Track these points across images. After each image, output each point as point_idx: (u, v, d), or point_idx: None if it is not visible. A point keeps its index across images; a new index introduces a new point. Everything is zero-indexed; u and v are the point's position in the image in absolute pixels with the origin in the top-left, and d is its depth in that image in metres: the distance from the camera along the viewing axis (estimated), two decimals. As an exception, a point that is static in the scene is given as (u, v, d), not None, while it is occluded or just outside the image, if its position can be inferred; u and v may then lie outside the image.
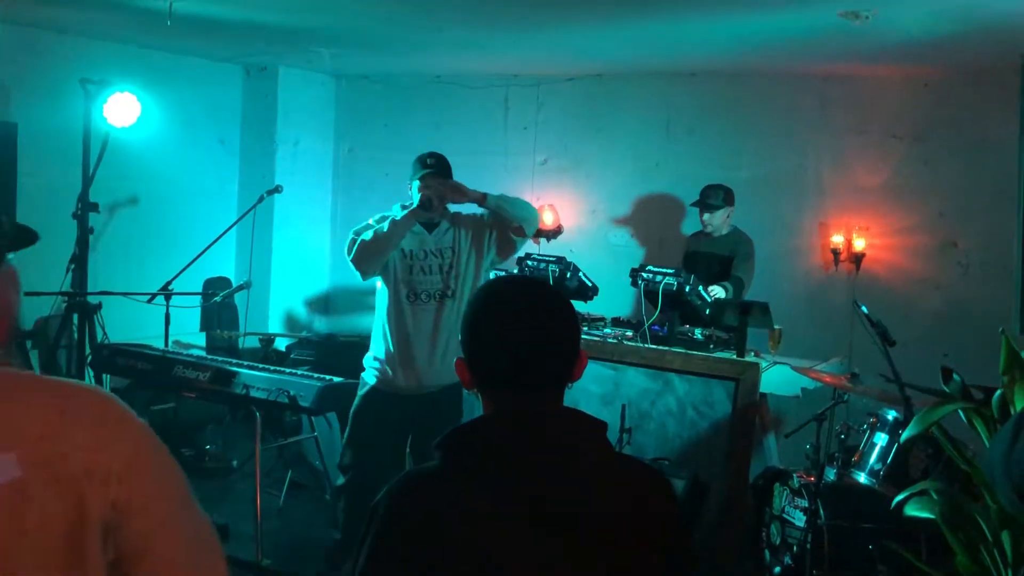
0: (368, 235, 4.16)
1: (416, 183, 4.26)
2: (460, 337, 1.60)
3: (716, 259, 5.78)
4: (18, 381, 1.37)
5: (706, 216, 5.77)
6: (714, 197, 5.74)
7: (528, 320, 1.55)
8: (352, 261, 4.24)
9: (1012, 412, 2.99)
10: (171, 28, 5.42)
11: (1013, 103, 5.32)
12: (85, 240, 5.52)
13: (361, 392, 4.36)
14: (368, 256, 4.18)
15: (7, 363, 1.42)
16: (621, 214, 6.98)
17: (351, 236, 4.24)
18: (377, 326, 4.34)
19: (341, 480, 4.39)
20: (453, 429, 1.55)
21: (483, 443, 1.52)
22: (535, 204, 7.12)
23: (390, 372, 4.22)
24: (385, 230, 4.14)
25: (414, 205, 4.20)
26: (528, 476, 1.48)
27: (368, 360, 4.36)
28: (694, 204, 5.84)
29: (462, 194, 4.30)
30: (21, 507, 1.27)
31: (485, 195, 4.31)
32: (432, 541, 1.45)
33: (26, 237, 1.53)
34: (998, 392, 3.16)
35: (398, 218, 4.18)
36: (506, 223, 4.28)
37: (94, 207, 5.56)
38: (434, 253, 4.25)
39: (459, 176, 6.51)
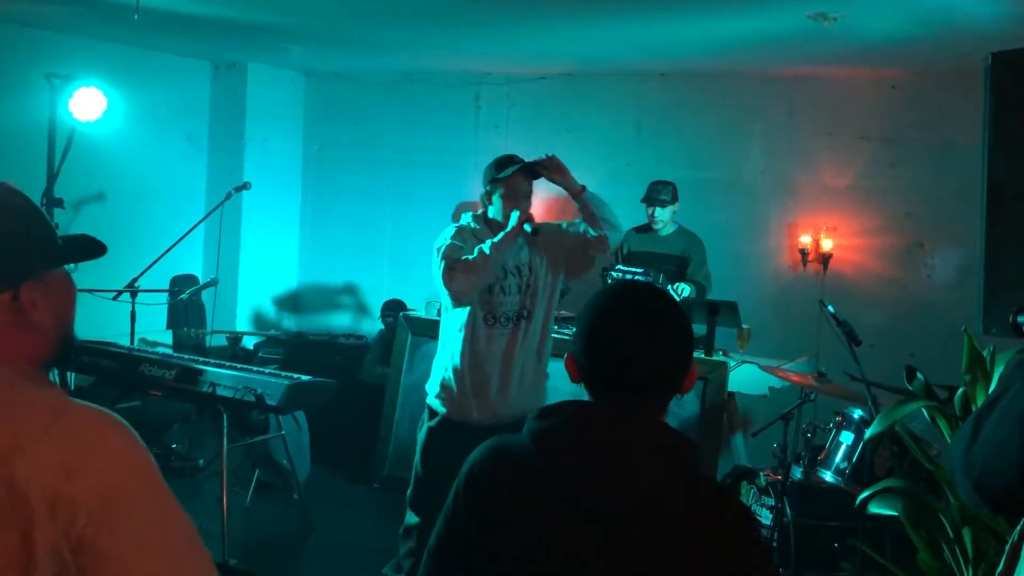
0: (469, 257, 3.68)
1: (500, 191, 3.86)
2: (575, 331, 1.64)
3: (670, 259, 5.79)
4: (37, 398, 1.27)
5: (657, 212, 5.80)
6: (664, 192, 5.79)
7: (641, 325, 1.57)
8: (454, 289, 3.69)
9: (974, 410, 3.04)
10: (138, 23, 5.37)
11: (978, 105, 5.37)
12: (49, 236, 5.46)
13: (429, 423, 3.87)
14: (475, 281, 3.69)
15: (47, 383, 1.33)
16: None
17: (442, 262, 3.70)
18: (445, 352, 3.89)
19: (413, 519, 3.86)
20: (547, 407, 1.59)
21: (560, 429, 1.55)
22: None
23: (462, 402, 3.78)
24: (488, 252, 3.68)
25: (512, 220, 3.81)
26: (585, 474, 1.50)
27: (434, 387, 3.88)
28: (644, 199, 5.87)
29: (563, 174, 4.02)
30: None
31: (583, 187, 4.03)
32: (499, 509, 1.54)
33: (93, 249, 1.45)
34: (960, 390, 3.21)
35: (497, 237, 3.77)
36: (593, 226, 3.97)
37: (59, 203, 5.50)
38: (513, 272, 3.84)
39: (430, 174, 6.54)
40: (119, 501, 1.21)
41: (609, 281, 5.10)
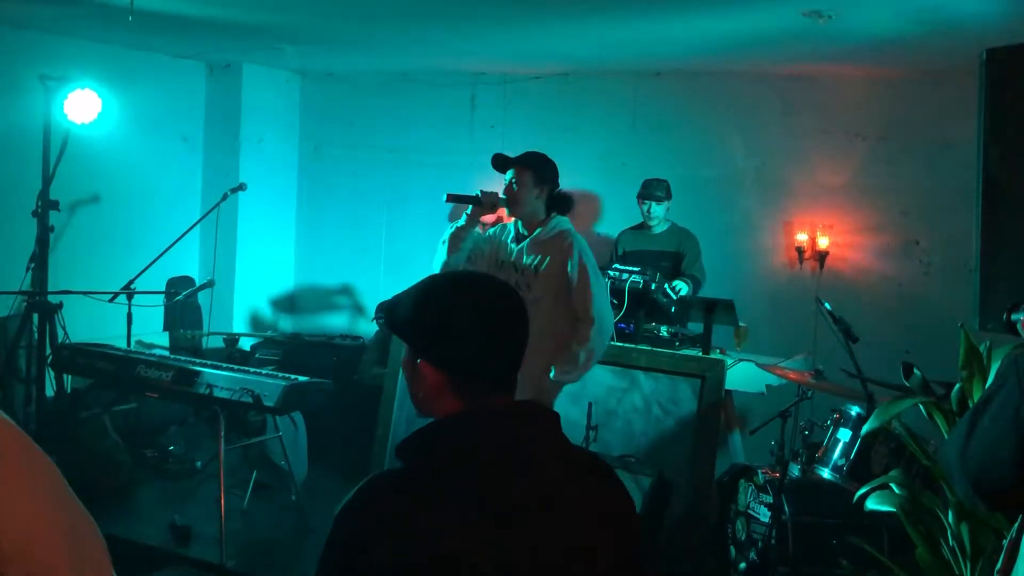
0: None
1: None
2: (429, 336, 1.54)
3: (665, 255, 5.83)
4: None
5: (653, 207, 5.83)
6: (658, 188, 5.86)
7: (511, 317, 1.55)
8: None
9: (970, 406, 3.04)
10: (133, 24, 5.36)
11: (972, 102, 5.38)
12: (45, 238, 5.46)
13: None
14: (440, 259, 4.22)
15: None
16: (587, 212, 7.00)
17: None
18: None
19: None
20: (421, 431, 1.50)
21: (467, 443, 1.46)
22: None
23: None
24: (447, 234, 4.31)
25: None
26: (510, 472, 1.45)
27: None
28: (639, 195, 5.93)
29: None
30: None
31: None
32: (404, 549, 1.37)
33: None
34: (957, 386, 3.22)
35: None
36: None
37: (54, 205, 5.50)
38: (497, 266, 4.18)
39: (426, 174, 6.44)
40: (40, 535, 1.19)
41: (605, 280, 5.09)
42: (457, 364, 1.52)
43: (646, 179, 5.94)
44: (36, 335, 5.42)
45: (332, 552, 1.46)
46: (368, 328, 7.30)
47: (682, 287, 5.52)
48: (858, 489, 3.52)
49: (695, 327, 5.47)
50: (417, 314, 1.55)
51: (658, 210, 5.84)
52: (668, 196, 5.87)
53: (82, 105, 5.44)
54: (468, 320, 1.52)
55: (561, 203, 4.41)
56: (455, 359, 1.52)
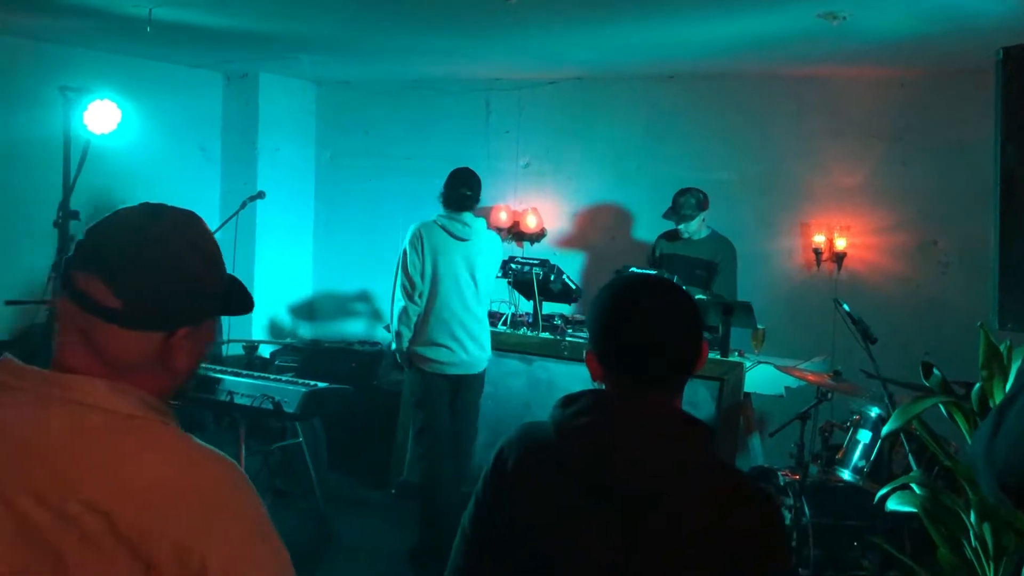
0: None
1: None
2: (589, 327, 1.71)
3: (698, 263, 5.74)
4: (156, 438, 1.29)
5: (682, 227, 5.74)
6: (687, 207, 5.66)
7: (652, 312, 1.64)
8: None
9: (991, 405, 3.02)
10: (151, 35, 5.40)
11: (989, 102, 5.35)
12: (66, 249, 5.48)
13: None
14: None
15: (163, 412, 1.33)
16: (602, 217, 7.00)
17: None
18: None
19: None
20: (568, 396, 1.67)
21: (579, 416, 1.61)
22: (519, 208, 7.17)
23: None
24: None
25: None
26: (601, 459, 1.56)
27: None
28: (667, 216, 5.78)
29: None
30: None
31: None
32: (522, 492, 1.64)
33: (242, 304, 1.47)
34: (977, 386, 3.20)
35: None
36: None
37: (75, 215, 5.53)
38: None
39: (441, 181, 6.58)
40: (245, 560, 1.25)
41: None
42: (599, 355, 1.67)
43: (676, 193, 5.74)
44: (58, 344, 5.45)
45: (483, 476, 1.72)
46: (386, 334, 7.31)
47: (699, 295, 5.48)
48: (879, 490, 3.50)
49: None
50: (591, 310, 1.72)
51: (692, 225, 5.73)
52: (701, 208, 5.70)
53: (101, 116, 5.47)
54: (597, 313, 1.69)
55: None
56: (596, 349, 1.68)
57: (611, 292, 1.70)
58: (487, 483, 1.71)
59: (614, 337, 1.65)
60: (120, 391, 1.29)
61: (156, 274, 1.31)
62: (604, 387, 1.68)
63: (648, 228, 6.46)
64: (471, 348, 4.96)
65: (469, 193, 4.97)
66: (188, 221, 1.39)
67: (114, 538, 1.19)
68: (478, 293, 5.00)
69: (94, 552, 1.20)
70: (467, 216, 4.94)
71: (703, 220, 5.74)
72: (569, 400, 1.65)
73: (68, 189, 5.49)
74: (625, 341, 1.63)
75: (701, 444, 1.61)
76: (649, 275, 1.81)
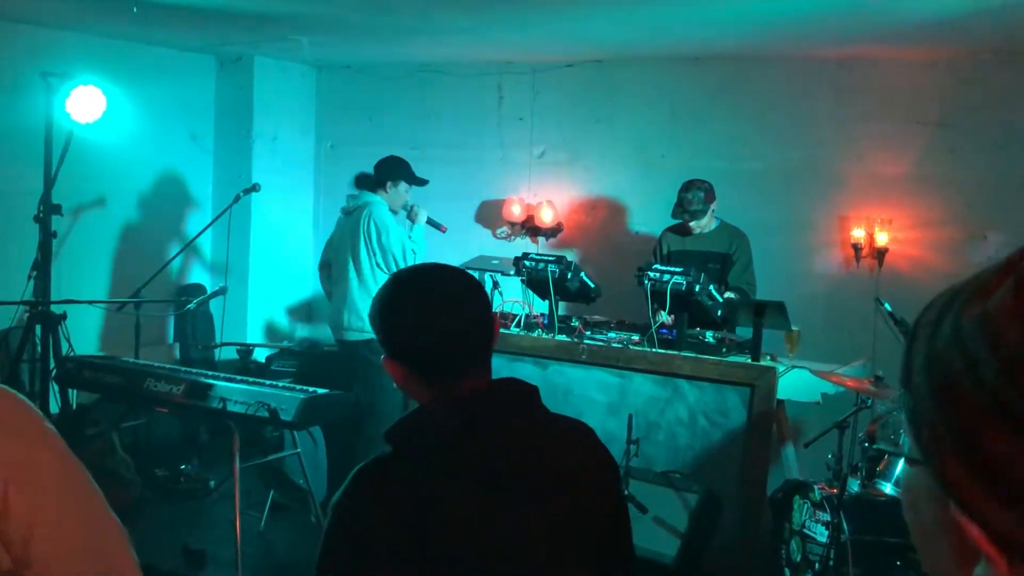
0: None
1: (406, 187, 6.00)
2: (382, 337, 1.74)
3: (713, 256, 5.72)
4: None
5: (692, 223, 5.72)
6: (695, 203, 5.64)
7: (453, 304, 1.71)
8: None
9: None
10: (138, 16, 5.42)
11: (1043, 84, 5.34)
12: (48, 245, 5.50)
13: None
14: None
15: None
16: (624, 210, 6.98)
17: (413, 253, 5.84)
18: None
19: None
20: (400, 421, 1.72)
21: (434, 431, 1.67)
22: (533, 200, 7.16)
23: None
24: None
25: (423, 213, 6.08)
26: (481, 454, 1.64)
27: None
28: (675, 213, 5.75)
29: None
30: None
31: None
32: (393, 530, 1.59)
33: None
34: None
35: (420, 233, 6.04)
36: None
37: (57, 209, 5.54)
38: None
39: (451, 172, 6.73)
40: (32, 471, 1.39)
41: (646, 282, 5.07)
42: (405, 355, 1.72)
43: (680, 188, 5.76)
44: (39, 347, 5.46)
45: (329, 536, 1.64)
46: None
47: (730, 292, 5.47)
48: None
49: (743, 332, 5.42)
50: (371, 313, 1.76)
51: (701, 222, 5.72)
52: (709, 201, 5.71)
53: (86, 103, 5.48)
54: (385, 316, 1.72)
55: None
56: (401, 351, 1.72)
57: (396, 292, 1.74)
58: (343, 550, 1.66)
59: (417, 340, 1.69)
60: None
61: None
62: (409, 390, 1.76)
63: (672, 222, 6.42)
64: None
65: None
66: None
67: None
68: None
69: None
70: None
71: (712, 212, 5.73)
72: (411, 425, 1.71)
73: (50, 181, 5.50)
74: (428, 342, 1.69)
75: (536, 401, 1.76)
76: (428, 265, 1.85)
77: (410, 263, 5.65)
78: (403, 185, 6.00)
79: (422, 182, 6.08)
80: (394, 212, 6.00)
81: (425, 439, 1.67)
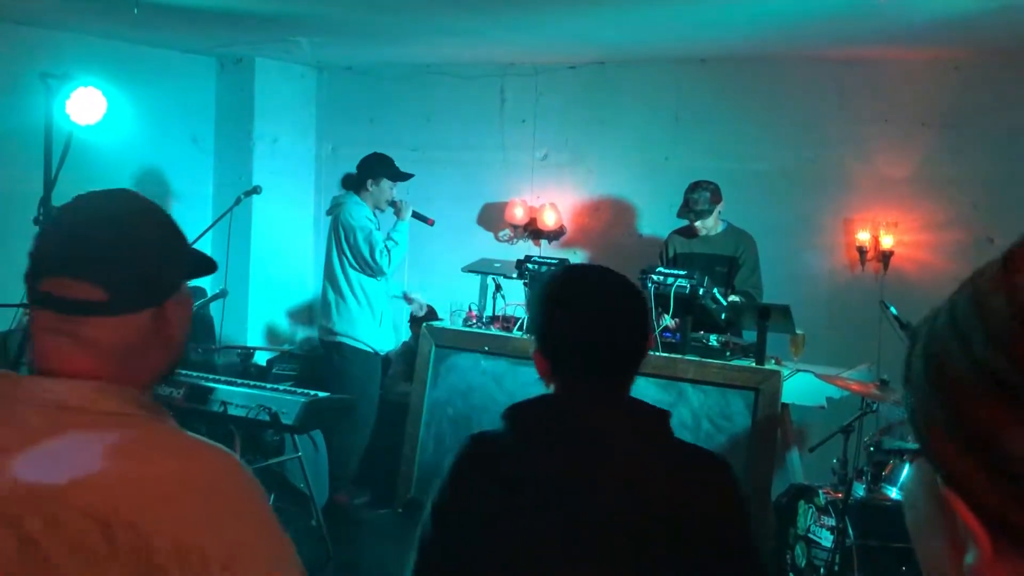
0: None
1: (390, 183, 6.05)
2: (531, 329, 1.83)
3: (719, 259, 5.72)
4: (147, 434, 1.34)
5: (698, 223, 5.72)
6: (701, 203, 5.65)
7: (600, 307, 1.77)
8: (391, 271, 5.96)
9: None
10: (139, 17, 5.43)
11: (1050, 86, 5.34)
12: (47, 248, 5.52)
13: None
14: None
15: (154, 409, 1.39)
16: (627, 212, 6.99)
17: (386, 249, 5.87)
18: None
19: None
20: (520, 401, 1.79)
21: (536, 418, 1.76)
22: (535, 203, 7.17)
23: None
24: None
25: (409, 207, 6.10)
26: (571, 455, 1.67)
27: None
28: (681, 214, 5.78)
29: None
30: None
31: None
32: (485, 498, 1.73)
33: (207, 265, 1.55)
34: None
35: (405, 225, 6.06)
36: None
37: (57, 212, 5.56)
38: None
39: (452, 174, 6.76)
40: (246, 556, 1.28)
41: (649, 284, 5.08)
42: (544, 351, 1.79)
43: (686, 189, 5.78)
44: (39, 351, 5.47)
45: (435, 489, 1.80)
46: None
47: (734, 296, 5.47)
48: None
49: (748, 336, 5.43)
50: (528, 302, 1.92)
51: (707, 223, 5.73)
52: (715, 202, 5.72)
53: (86, 104, 5.48)
54: (539, 308, 1.80)
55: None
56: (540, 345, 1.79)
57: (554, 288, 1.84)
58: (447, 499, 1.79)
59: (565, 334, 1.76)
60: (104, 391, 1.33)
61: (131, 254, 1.37)
62: (553, 387, 1.80)
63: (678, 224, 6.44)
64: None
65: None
66: (134, 195, 1.48)
67: (108, 543, 1.21)
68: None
69: (88, 561, 1.22)
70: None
71: (718, 214, 5.74)
72: (524, 404, 1.78)
73: (50, 184, 5.51)
74: (576, 338, 1.74)
75: (665, 428, 1.76)
76: (591, 266, 1.97)
77: (383, 261, 5.81)
78: (385, 182, 6.02)
79: (405, 177, 6.12)
80: (380, 209, 6.06)
81: (529, 421, 1.76)
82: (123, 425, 1.32)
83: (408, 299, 6.43)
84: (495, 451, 1.77)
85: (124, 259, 1.36)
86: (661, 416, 1.77)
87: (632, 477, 1.67)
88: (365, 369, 5.99)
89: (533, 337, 1.81)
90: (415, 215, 6.10)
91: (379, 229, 5.98)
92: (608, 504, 1.65)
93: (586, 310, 1.76)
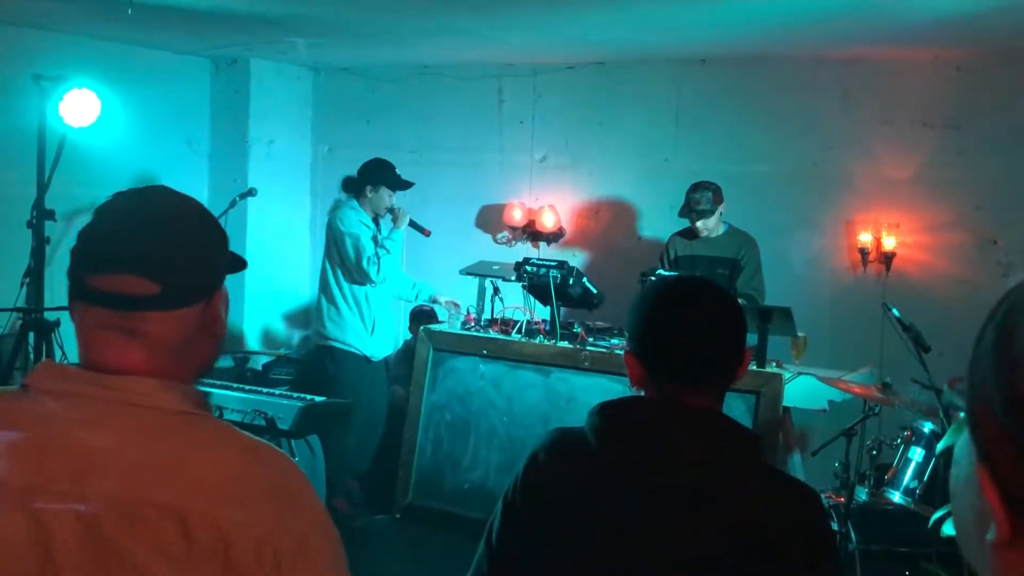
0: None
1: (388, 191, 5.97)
2: (630, 329, 1.83)
3: (720, 261, 5.72)
4: (212, 434, 1.40)
5: (700, 224, 5.72)
6: (703, 203, 5.65)
7: (695, 314, 1.78)
8: (379, 279, 5.85)
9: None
10: (132, 18, 5.44)
11: (1054, 86, 5.35)
12: (41, 251, 5.51)
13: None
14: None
15: (200, 401, 1.44)
16: (627, 214, 6.99)
17: (376, 257, 5.79)
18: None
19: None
20: (606, 401, 1.79)
21: (617, 419, 1.76)
22: (534, 205, 7.17)
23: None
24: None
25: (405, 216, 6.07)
26: (641, 461, 1.69)
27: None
28: (682, 214, 5.78)
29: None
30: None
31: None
32: (558, 492, 1.76)
33: (240, 263, 1.57)
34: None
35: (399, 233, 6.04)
36: None
37: (50, 215, 5.55)
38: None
39: (450, 176, 6.73)
40: (311, 550, 1.33)
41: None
42: (639, 353, 1.80)
43: (687, 189, 5.78)
44: (32, 356, 5.47)
45: (514, 478, 1.84)
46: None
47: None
48: (933, 513, 3.47)
49: (748, 338, 5.43)
50: (632, 308, 1.86)
51: (711, 222, 5.73)
52: (717, 202, 5.72)
53: (79, 106, 5.49)
54: (640, 311, 1.82)
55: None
56: (636, 348, 1.81)
57: (653, 293, 1.86)
58: (519, 490, 1.82)
59: (661, 338, 1.77)
60: (168, 387, 1.39)
61: (181, 248, 1.42)
62: (643, 392, 1.81)
63: (679, 226, 6.46)
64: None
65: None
66: (173, 191, 1.51)
67: (187, 541, 1.27)
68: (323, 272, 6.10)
69: (168, 558, 1.27)
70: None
71: (719, 215, 5.74)
72: (607, 405, 1.78)
73: (43, 187, 5.51)
74: (672, 342, 1.76)
75: (753, 448, 1.76)
76: (691, 276, 1.97)
77: (370, 269, 5.74)
78: (384, 190, 5.94)
79: (406, 185, 6.03)
80: (380, 215, 6.01)
81: (611, 424, 1.76)
82: (190, 424, 1.38)
83: (436, 301, 6.30)
84: (572, 446, 1.80)
85: (177, 253, 1.41)
86: (751, 437, 1.80)
87: (707, 489, 1.67)
88: (356, 374, 5.95)
89: (628, 340, 1.84)
90: (412, 224, 6.06)
91: (378, 235, 5.95)
92: (676, 514, 1.67)
93: (690, 319, 1.77)
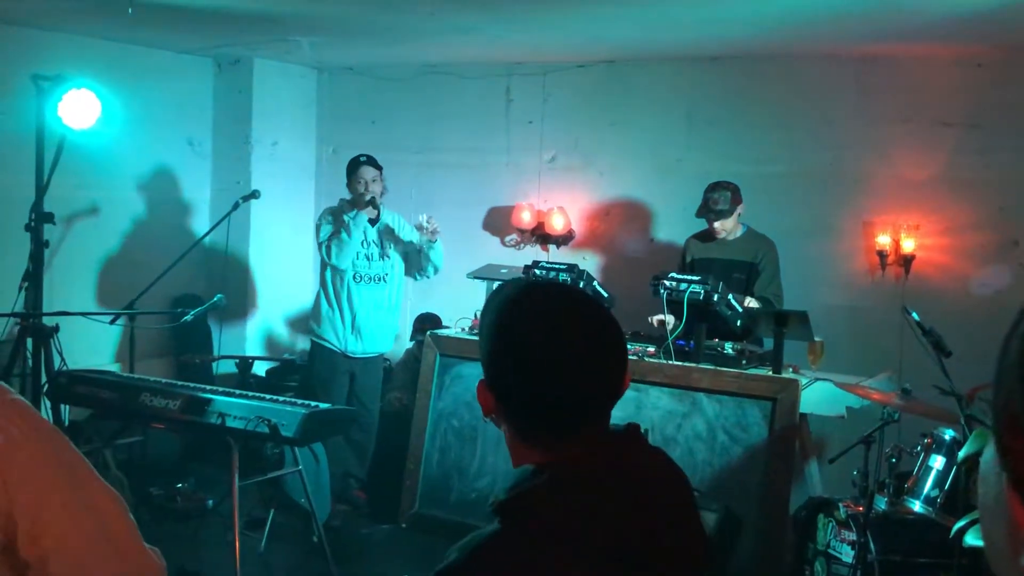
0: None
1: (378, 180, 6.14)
2: (492, 360, 1.47)
3: (737, 265, 5.70)
4: None
5: (717, 224, 5.71)
6: (721, 202, 5.63)
7: (591, 338, 1.46)
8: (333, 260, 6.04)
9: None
10: (133, 17, 5.45)
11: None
12: (40, 255, 5.53)
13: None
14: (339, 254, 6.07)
15: None
16: (639, 216, 6.98)
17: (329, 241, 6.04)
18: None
19: None
20: (516, 492, 1.39)
21: (563, 504, 1.37)
22: (543, 207, 7.17)
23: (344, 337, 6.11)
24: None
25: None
26: (627, 531, 1.39)
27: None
28: (700, 214, 5.76)
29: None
30: None
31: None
32: None
33: None
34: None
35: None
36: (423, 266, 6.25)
37: (49, 218, 5.56)
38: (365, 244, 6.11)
39: (458, 177, 6.70)
40: (48, 515, 1.41)
41: (661, 291, 5.06)
42: (516, 400, 1.45)
43: (705, 189, 5.76)
44: (30, 361, 5.49)
45: None
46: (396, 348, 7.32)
47: (752, 301, 5.45)
48: (954, 523, 3.46)
49: (765, 343, 5.42)
50: (480, 328, 1.52)
51: (728, 223, 5.70)
52: (736, 202, 5.69)
53: (79, 107, 5.50)
54: (506, 345, 1.45)
55: None
56: (508, 401, 1.46)
57: (530, 314, 1.46)
58: None
59: (559, 372, 1.42)
60: None
61: None
62: (511, 436, 1.48)
63: (691, 228, 6.45)
64: None
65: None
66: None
67: None
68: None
69: None
70: None
71: (738, 216, 5.71)
72: (518, 497, 1.39)
73: (41, 189, 5.53)
74: (574, 377, 1.42)
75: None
76: (559, 284, 1.58)
77: (323, 253, 6.05)
78: (352, 179, 6.12)
79: (356, 164, 6.16)
80: (358, 206, 6.05)
81: (552, 514, 1.36)
82: None
83: (420, 227, 6.10)
84: (512, 562, 1.37)
85: None
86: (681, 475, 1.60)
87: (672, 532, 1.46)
88: (329, 369, 6.11)
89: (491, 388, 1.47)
90: (370, 203, 6.05)
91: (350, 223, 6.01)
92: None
93: (578, 343, 1.44)
